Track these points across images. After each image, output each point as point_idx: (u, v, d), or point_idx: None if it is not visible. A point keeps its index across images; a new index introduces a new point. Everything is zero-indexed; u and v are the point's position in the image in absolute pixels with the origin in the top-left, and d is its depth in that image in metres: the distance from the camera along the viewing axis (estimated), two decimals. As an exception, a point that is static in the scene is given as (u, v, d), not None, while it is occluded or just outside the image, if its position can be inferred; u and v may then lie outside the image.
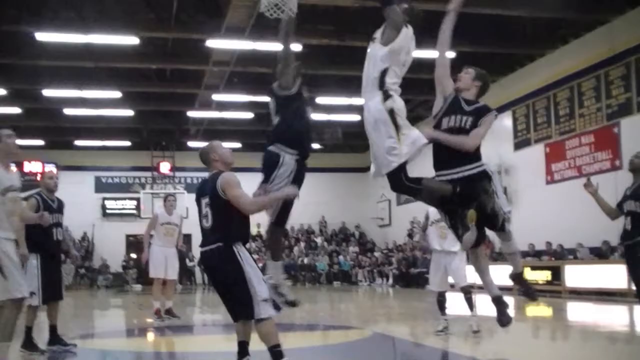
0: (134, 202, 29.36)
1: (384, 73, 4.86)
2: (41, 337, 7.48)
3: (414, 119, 23.32)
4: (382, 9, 4.94)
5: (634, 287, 6.78)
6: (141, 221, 23.98)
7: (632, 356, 7.42)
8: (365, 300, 19.48)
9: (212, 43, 17.43)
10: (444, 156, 4.97)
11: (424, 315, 12.14)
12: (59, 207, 7.49)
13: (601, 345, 8.30)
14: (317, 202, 27.40)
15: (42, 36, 16.66)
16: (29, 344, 7.13)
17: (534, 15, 16.95)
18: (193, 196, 5.46)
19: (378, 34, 5.00)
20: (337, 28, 17.44)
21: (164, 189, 28.00)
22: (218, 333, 9.88)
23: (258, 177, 5.45)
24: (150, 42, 18.73)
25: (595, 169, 16.84)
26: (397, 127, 4.80)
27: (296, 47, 5.27)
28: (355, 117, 20.81)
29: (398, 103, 4.88)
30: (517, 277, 5.29)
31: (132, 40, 17.33)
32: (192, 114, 25.29)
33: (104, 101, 22.88)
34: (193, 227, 5.58)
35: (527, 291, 5.38)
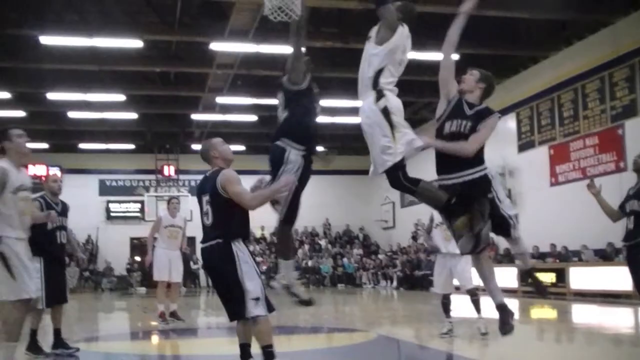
0: (138, 205, 29.40)
1: (378, 73, 4.86)
2: (46, 340, 7.49)
3: (418, 121, 23.40)
4: (376, 9, 4.92)
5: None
6: (145, 224, 23.99)
7: (637, 359, 7.39)
8: (369, 303, 19.45)
9: (216, 46, 17.47)
10: (446, 160, 4.94)
11: (428, 317, 12.12)
12: (63, 211, 7.50)
13: (606, 348, 8.27)
14: (321, 205, 27.43)
15: (46, 40, 16.69)
16: (33, 347, 7.16)
17: (537, 17, 16.95)
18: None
19: (373, 32, 5.00)
20: (340, 30, 17.46)
21: (168, 191, 28.08)
22: (222, 336, 9.86)
23: (262, 179, 5.45)
24: (154, 45, 18.79)
25: (599, 170, 16.79)
26: (392, 126, 4.78)
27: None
28: (359, 120, 20.78)
29: (392, 102, 4.85)
30: (527, 273, 5.34)
31: (136, 43, 17.36)
32: (196, 116, 25.34)
33: (108, 104, 22.94)
34: (197, 229, 5.58)
35: (538, 287, 5.40)
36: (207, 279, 23.61)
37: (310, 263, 28.43)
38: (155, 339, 10.00)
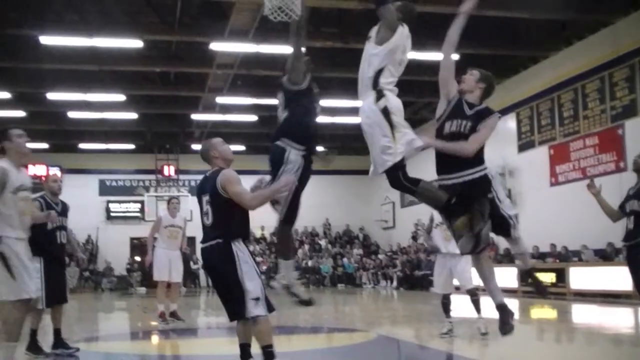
0: (138, 205, 29.40)
1: (378, 73, 4.86)
2: (46, 340, 7.49)
3: (418, 121, 23.40)
4: (376, 9, 4.92)
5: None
6: (145, 224, 23.98)
7: (637, 359, 7.39)
8: (369, 303, 19.45)
9: (216, 46, 17.46)
10: (446, 160, 4.93)
11: (428, 317, 12.12)
12: (63, 211, 7.50)
13: (606, 348, 8.27)
14: (321, 205, 27.43)
15: (46, 39, 16.68)
16: (33, 347, 7.16)
17: (537, 17, 16.95)
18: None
19: (373, 32, 5.00)
20: (340, 30, 17.46)
21: (168, 191, 28.08)
22: (222, 336, 9.86)
23: (262, 179, 5.45)
24: (154, 45, 18.79)
25: (599, 170, 16.79)
26: (391, 126, 4.78)
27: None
28: (359, 120, 20.79)
29: (392, 102, 4.85)
30: (527, 273, 5.35)
31: (136, 43, 17.36)
32: (196, 116, 25.34)
33: (108, 104, 22.94)
34: (197, 229, 5.58)
35: (538, 287, 5.40)
36: (207, 279, 23.61)
37: (310, 263, 28.43)
38: (155, 339, 10.00)
